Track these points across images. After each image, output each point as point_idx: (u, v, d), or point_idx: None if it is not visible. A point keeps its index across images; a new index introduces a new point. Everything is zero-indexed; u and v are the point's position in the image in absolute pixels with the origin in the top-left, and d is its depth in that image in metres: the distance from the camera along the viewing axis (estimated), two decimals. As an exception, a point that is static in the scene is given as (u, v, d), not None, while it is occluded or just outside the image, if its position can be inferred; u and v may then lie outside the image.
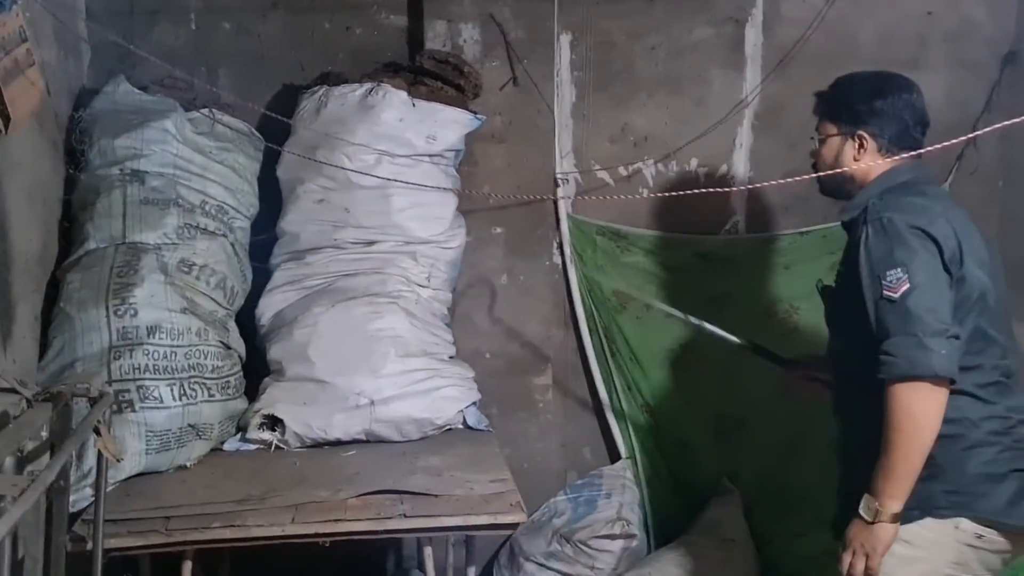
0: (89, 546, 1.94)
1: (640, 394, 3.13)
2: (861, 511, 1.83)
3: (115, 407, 2.18)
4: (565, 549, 2.76)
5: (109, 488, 2.11)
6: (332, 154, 2.53)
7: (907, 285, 1.80)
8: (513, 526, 2.15)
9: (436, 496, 2.17)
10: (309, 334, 2.49)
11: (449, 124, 2.65)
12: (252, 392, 2.55)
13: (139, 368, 2.24)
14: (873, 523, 1.82)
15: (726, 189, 2.92)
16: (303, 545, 2.10)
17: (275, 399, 2.46)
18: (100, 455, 1.91)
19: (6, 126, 1.89)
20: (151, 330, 2.27)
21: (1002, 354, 1.91)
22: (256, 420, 2.45)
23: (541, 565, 2.76)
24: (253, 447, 2.46)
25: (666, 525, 3.02)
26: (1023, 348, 2.12)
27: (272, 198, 2.73)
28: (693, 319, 2.65)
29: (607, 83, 3.06)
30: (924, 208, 1.89)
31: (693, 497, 3.09)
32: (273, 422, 2.46)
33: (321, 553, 2.16)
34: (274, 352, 2.54)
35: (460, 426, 2.57)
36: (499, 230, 2.95)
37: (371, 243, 2.58)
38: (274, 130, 2.66)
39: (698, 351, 3.13)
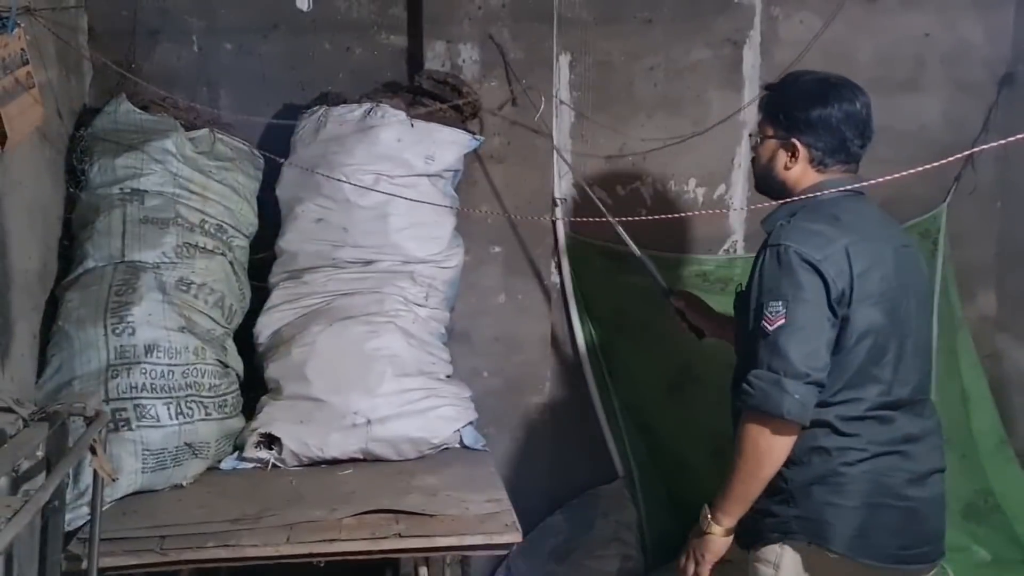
0: (84, 565, 1.94)
1: (638, 413, 3.13)
2: (700, 520, 1.98)
3: (112, 426, 2.19)
4: (561, 569, 2.75)
5: (105, 507, 2.11)
6: (331, 174, 2.54)
7: (783, 320, 1.80)
8: (508, 546, 2.15)
9: (432, 516, 2.17)
10: (307, 353, 2.49)
11: (447, 144, 2.66)
12: (250, 410, 2.55)
13: (136, 387, 2.24)
14: (705, 533, 1.97)
15: (720, 211, 2.93)
16: (298, 565, 2.10)
17: (272, 418, 2.46)
18: (96, 474, 1.92)
19: (2, 144, 1.91)
20: (149, 349, 2.28)
21: (885, 391, 1.89)
22: (253, 439, 2.45)
23: (537, 585, 2.76)
24: (250, 466, 2.46)
25: (663, 545, 3.01)
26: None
27: (272, 217, 2.74)
28: (639, 253, 2.66)
29: (606, 103, 3.08)
30: (827, 240, 1.86)
31: (690, 516, 3.07)
32: (270, 441, 2.46)
33: (316, 573, 2.16)
34: (272, 370, 2.54)
35: (457, 445, 2.56)
36: (497, 249, 2.95)
37: (369, 262, 2.59)
38: (274, 149, 2.68)
39: (696, 370, 3.14)
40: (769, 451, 1.84)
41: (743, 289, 1.99)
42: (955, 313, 3.22)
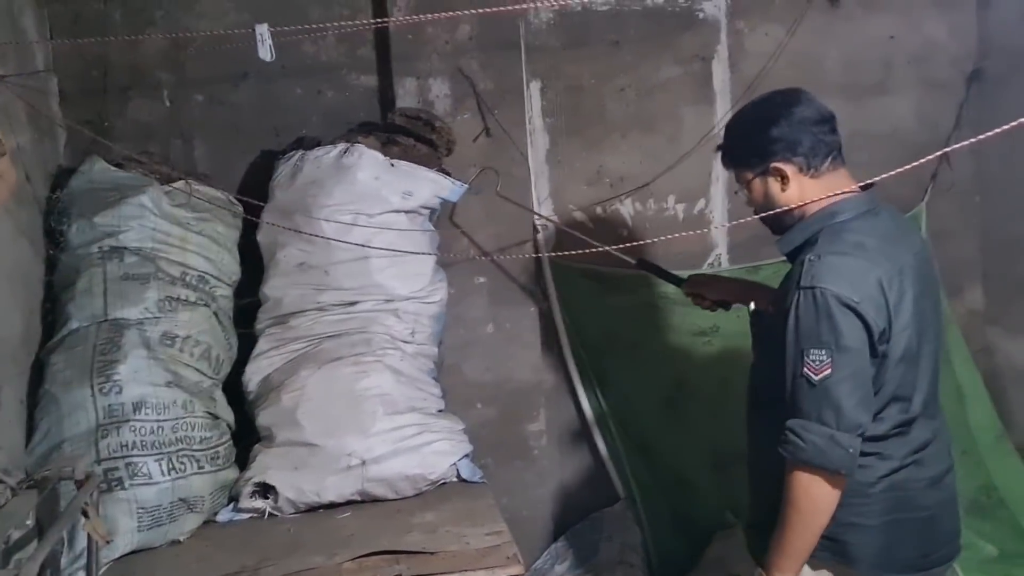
0: (83, 631, 1.93)
1: (635, 433, 3.12)
2: None
3: (105, 486, 2.17)
4: (569, 597, 2.73)
5: (102, 569, 2.10)
6: (309, 216, 2.54)
7: (829, 371, 1.73)
8: (512, 579, 2.13)
9: (433, 553, 2.15)
10: (297, 398, 2.48)
11: (425, 182, 2.66)
12: (243, 460, 2.53)
13: (127, 445, 2.23)
14: None
15: (699, 230, 2.94)
16: (300, 613, 2.08)
17: (266, 466, 2.45)
18: (90, 537, 1.90)
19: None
20: (137, 406, 2.27)
21: (906, 407, 1.85)
22: (248, 488, 2.44)
23: (545, 614, 2.73)
24: (246, 516, 2.44)
25: (669, 563, 3.00)
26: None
27: (255, 262, 2.74)
28: (635, 261, 2.59)
29: (579, 127, 3.09)
30: (861, 276, 1.78)
31: (695, 533, 3.07)
32: (265, 489, 2.44)
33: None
34: (263, 418, 2.53)
35: (454, 479, 2.55)
36: (482, 280, 2.96)
37: (353, 303, 2.58)
38: (253, 196, 2.68)
39: (690, 386, 3.13)
40: (823, 501, 1.79)
41: (778, 306, 1.90)
42: (943, 310, 3.22)
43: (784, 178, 1.90)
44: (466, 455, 2.58)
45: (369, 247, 2.50)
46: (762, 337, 2.07)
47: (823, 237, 1.85)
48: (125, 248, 2.45)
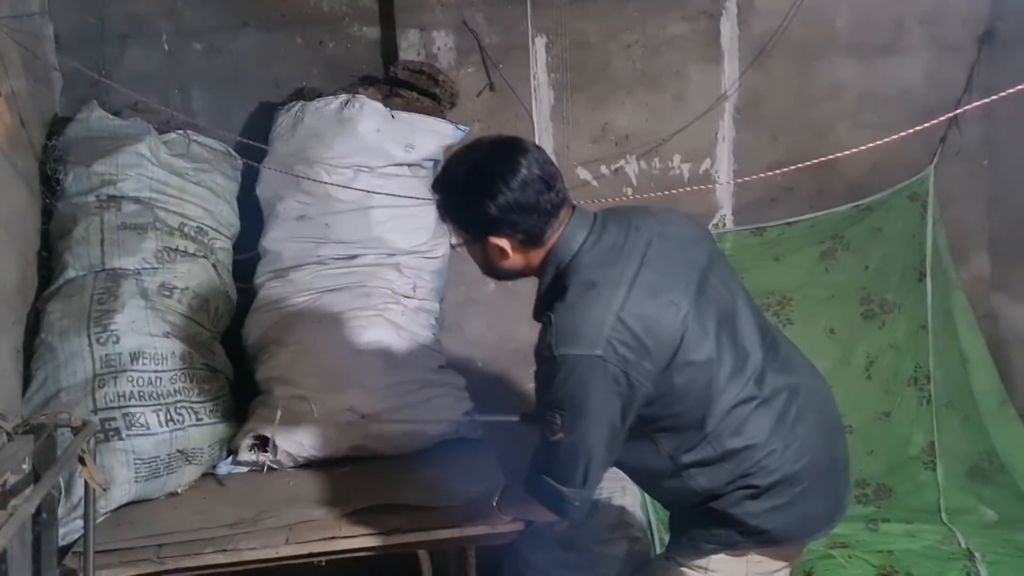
0: (80, 578, 1.91)
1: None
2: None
3: (102, 436, 2.15)
4: (568, 556, 2.72)
5: (100, 519, 2.08)
6: (310, 169, 2.51)
7: (561, 434, 1.67)
8: (511, 535, 2.11)
9: (432, 508, 2.14)
10: (296, 352, 2.46)
11: (428, 133, 2.63)
12: (242, 413, 2.51)
13: (124, 395, 2.21)
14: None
15: (707, 185, 2.90)
16: (299, 566, 2.07)
17: (265, 419, 2.43)
18: (87, 486, 1.88)
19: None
20: (134, 356, 2.24)
21: (743, 386, 1.73)
22: (247, 442, 2.42)
23: (544, 572, 2.71)
24: (245, 469, 2.42)
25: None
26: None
27: (254, 217, 2.70)
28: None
29: (585, 83, 3.04)
30: (597, 318, 1.62)
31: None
32: (264, 443, 2.43)
33: (320, 573, 2.13)
34: (262, 372, 2.51)
35: (454, 436, 2.53)
36: (484, 236, 2.91)
37: (354, 257, 2.55)
38: (252, 149, 2.64)
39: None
40: (545, 519, 1.89)
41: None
42: (948, 275, 3.20)
43: (503, 251, 1.73)
44: (467, 412, 2.56)
45: (372, 196, 2.47)
46: None
47: (558, 288, 1.71)
48: (123, 197, 2.42)
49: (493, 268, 1.79)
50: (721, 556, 1.80)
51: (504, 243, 1.71)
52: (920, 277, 3.19)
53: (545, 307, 1.73)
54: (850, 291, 3.20)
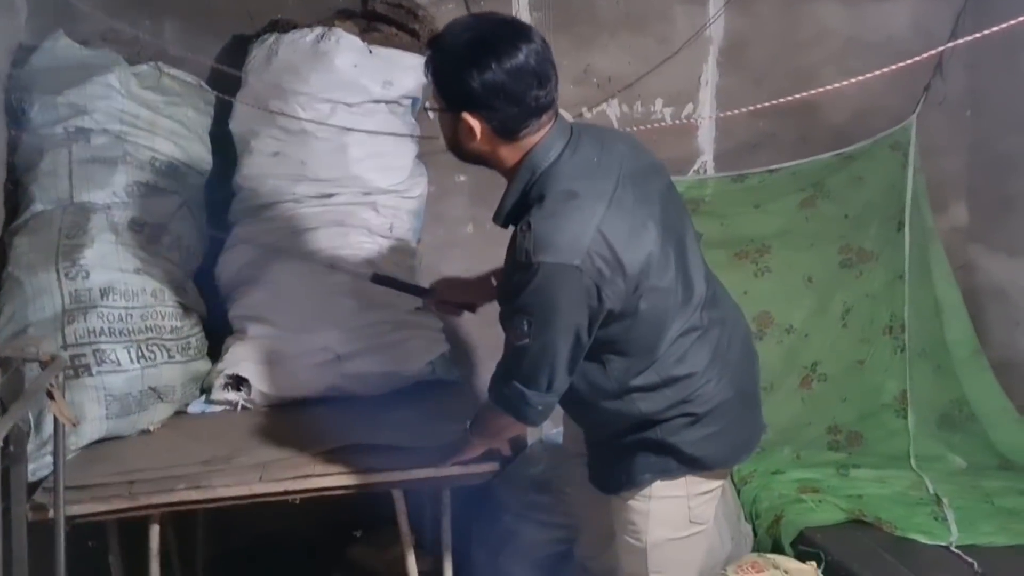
0: (51, 514, 1.89)
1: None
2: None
3: (72, 372, 2.12)
4: (542, 498, 2.74)
5: (70, 455, 2.06)
6: (285, 104, 2.45)
7: (527, 340, 1.66)
8: (487, 476, 2.12)
9: (407, 448, 2.13)
10: (271, 291, 2.43)
11: (406, 70, 2.56)
12: (215, 352, 2.48)
13: (94, 331, 2.17)
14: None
15: (690, 118, 2.86)
16: (274, 504, 2.06)
17: (239, 358, 2.40)
18: (57, 421, 1.85)
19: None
20: (104, 292, 2.20)
21: (687, 317, 1.78)
22: (220, 381, 2.40)
23: (518, 514, 2.74)
24: (218, 408, 2.40)
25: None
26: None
27: (228, 153, 2.64)
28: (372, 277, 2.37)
29: (567, 24, 2.98)
30: (576, 230, 1.62)
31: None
32: (238, 382, 2.41)
33: (294, 512, 2.13)
34: (236, 310, 2.47)
35: (430, 378, 2.52)
36: (462, 178, 2.88)
37: (330, 196, 2.50)
38: (225, 83, 2.57)
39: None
40: (503, 433, 2.02)
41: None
42: (927, 225, 3.20)
43: (472, 132, 1.67)
44: (443, 354, 2.55)
45: (349, 133, 2.41)
46: None
47: (533, 196, 1.69)
48: (91, 129, 2.35)
49: (457, 145, 1.74)
50: (659, 483, 1.86)
51: (476, 124, 1.66)
52: (899, 227, 3.19)
53: (519, 213, 1.71)
54: (829, 240, 3.20)
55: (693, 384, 1.80)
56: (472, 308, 2.27)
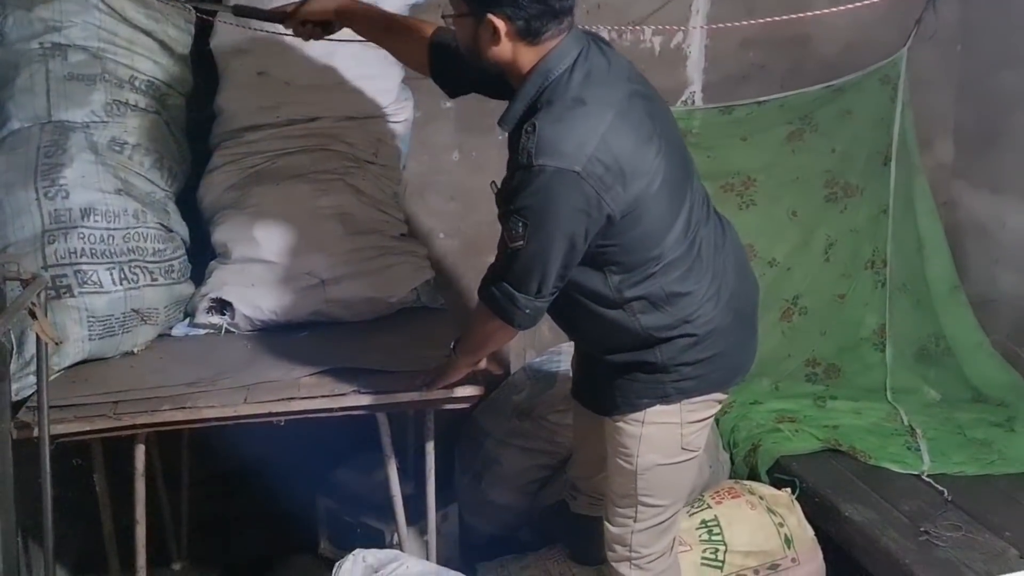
0: (35, 433, 1.90)
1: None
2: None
3: (53, 293, 2.10)
4: (524, 425, 2.77)
5: (53, 376, 2.06)
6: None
7: (521, 242, 1.67)
8: (470, 399, 2.14)
9: (391, 372, 2.14)
10: (254, 214, 2.40)
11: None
12: (199, 275, 2.47)
13: (75, 252, 2.15)
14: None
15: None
16: (258, 426, 2.08)
17: (222, 282, 2.39)
18: (40, 341, 1.85)
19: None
20: (85, 212, 2.17)
21: (682, 234, 1.79)
22: (204, 304, 2.39)
23: (501, 441, 2.78)
24: (202, 331, 2.40)
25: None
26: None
27: (211, 74, 2.58)
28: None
29: (558, -54, 2.91)
30: (582, 136, 1.63)
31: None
32: (222, 306, 2.40)
33: (279, 435, 2.14)
34: (219, 234, 2.45)
35: (415, 304, 2.52)
36: (449, 105, 2.84)
37: (314, 119, 2.46)
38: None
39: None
40: (494, 341, 1.97)
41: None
42: (913, 161, 3.20)
43: (496, 34, 1.68)
44: (427, 280, 2.55)
45: (333, 55, 2.36)
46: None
47: (543, 100, 1.70)
48: (69, 45, 2.28)
49: (476, 51, 1.74)
50: (656, 408, 1.89)
51: (501, 25, 1.67)
52: (885, 161, 3.19)
53: (526, 116, 1.72)
54: (814, 173, 3.20)
55: (693, 302, 1.82)
56: (330, 28, 2.15)
